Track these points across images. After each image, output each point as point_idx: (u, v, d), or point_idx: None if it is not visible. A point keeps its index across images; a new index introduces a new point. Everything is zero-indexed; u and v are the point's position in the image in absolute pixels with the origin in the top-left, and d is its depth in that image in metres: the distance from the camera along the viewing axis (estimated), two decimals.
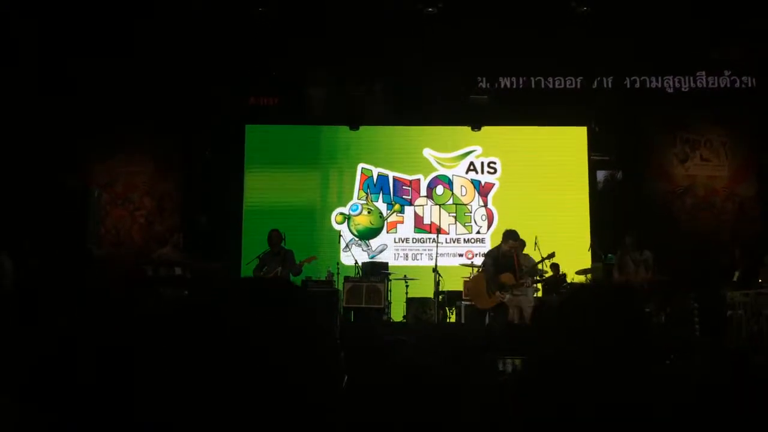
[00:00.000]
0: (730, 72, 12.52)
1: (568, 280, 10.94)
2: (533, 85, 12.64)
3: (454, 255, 12.53)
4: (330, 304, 10.27)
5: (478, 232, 12.84)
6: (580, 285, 9.38)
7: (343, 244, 12.41)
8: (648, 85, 12.61)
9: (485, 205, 12.91)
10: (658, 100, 12.59)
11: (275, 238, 10.53)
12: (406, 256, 12.77)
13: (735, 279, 10.33)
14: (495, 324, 9.37)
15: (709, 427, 2.03)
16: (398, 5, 11.53)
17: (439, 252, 11.48)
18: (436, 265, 11.13)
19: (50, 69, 11.70)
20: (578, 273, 11.08)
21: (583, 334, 1.69)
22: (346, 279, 11.13)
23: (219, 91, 12.39)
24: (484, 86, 12.64)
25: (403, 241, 12.86)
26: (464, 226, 12.87)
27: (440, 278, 11.02)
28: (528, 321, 9.28)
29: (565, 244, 11.11)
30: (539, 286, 10.66)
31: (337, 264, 11.74)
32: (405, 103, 12.72)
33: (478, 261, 11.30)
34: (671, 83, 12.60)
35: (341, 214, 12.95)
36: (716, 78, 12.57)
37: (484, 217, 12.87)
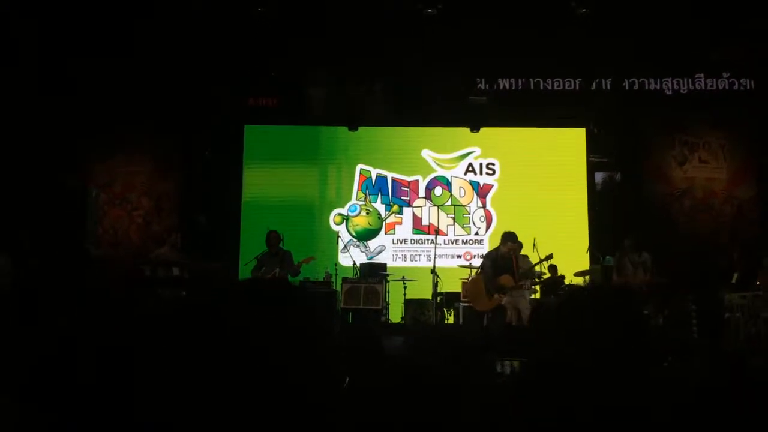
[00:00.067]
0: (728, 74, 12.53)
1: (567, 281, 10.95)
2: (532, 87, 12.64)
3: (452, 256, 12.54)
4: (328, 305, 10.28)
5: (477, 234, 12.84)
6: (578, 287, 9.41)
7: (341, 245, 12.42)
8: (647, 87, 12.61)
9: (484, 207, 12.92)
10: (657, 102, 12.60)
11: (273, 238, 10.54)
12: (405, 257, 12.77)
13: (733, 281, 10.33)
14: (493, 326, 9.36)
15: (706, 430, 2.04)
16: (398, 5, 11.53)
17: (437, 253, 11.49)
18: (434, 267, 11.13)
19: (50, 69, 11.69)
20: (576, 275, 11.09)
21: (582, 336, 1.69)
22: (344, 280, 11.13)
23: (218, 91, 12.38)
24: (483, 87, 12.64)
25: (401, 242, 12.86)
26: (463, 227, 12.87)
27: (438, 279, 11.03)
28: (525, 322, 9.29)
29: (564, 245, 11.12)
30: (537, 287, 10.66)
31: (335, 265, 11.75)
32: (404, 104, 12.72)
33: (477, 262, 11.31)
34: (670, 85, 12.61)
35: (340, 215, 12.96)
36: (715, 80, 12.58)
37: (482, 219, 12.88)
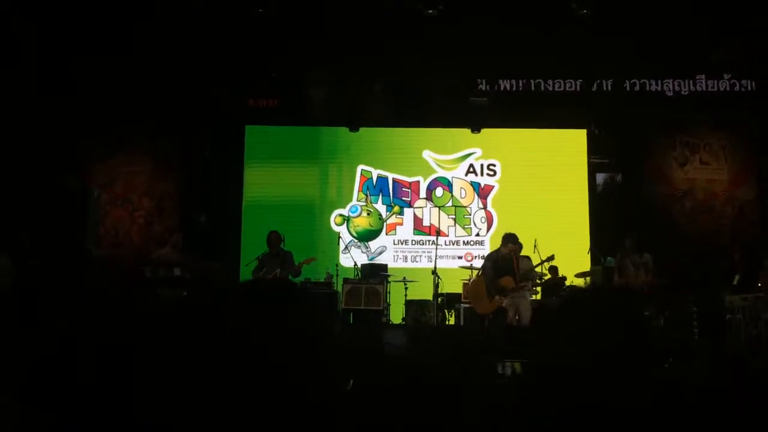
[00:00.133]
0: (729, 75, 12.53)
1: (568, 282, 10.94)
2: (533, 88, 12.64)
3: (453, 257, 12.54)
4: (329, 305, 10.27)
5: (478, 235, 12.84)
6: (579, 288, 9.40)
7: (342, 246, 12.42)
8: (648, 88, 12.62)
9: (485, 208, 12.91)
10: (658, 103, 12.60)
11: (274, 239, 10.54)
12: (406, 258, 12.77)
13: (734, 283, 10.32)
14: (494, 327, 9.36)
15: (707, 431, 2.03)
16: (398, 5, 11.53)
17: (438, 254, 11.49)
18: (435, 267, 11.13)
19: (50, 69, 11.69)
20: (577, 276, 11.08)
21: (583, 337, 1.69)
22: (345, 281, 11.12)
23: (219, 91, 12.39)
24: (483, 88, 12.64)
25: (402, 243, 12.85)
26: (463, 228, 12.87)
27: (439, 280, 11.02)
28: (526, 323, 9.29)
29: (565, 246, 11.11)
30: (538, 288, 10.66)
31: (336, 266, 11.75)
32: (405, 104, 12.72)
33: (478, 263, 11.31)
34: (671, 86, 12.61)
35: (340, 215, 12.95)
36: (716, 81, 12.58)
37: (483, 220, 12.88)
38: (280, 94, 12.82)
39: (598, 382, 1.61)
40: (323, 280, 11.28)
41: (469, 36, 11.67)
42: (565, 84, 12.61)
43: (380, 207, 12.96)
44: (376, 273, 11.46)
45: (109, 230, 12.59)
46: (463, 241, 12.81)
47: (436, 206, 12.91)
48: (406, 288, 11.28)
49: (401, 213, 12.95)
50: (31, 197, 10.66)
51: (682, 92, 12.62)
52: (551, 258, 9.98)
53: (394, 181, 13.01)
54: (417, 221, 12.92)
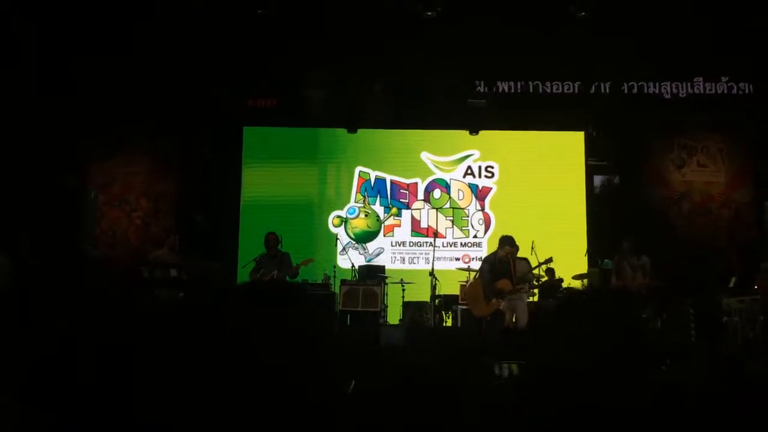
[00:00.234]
0: (727, 78, 12.55)
1: (565, 285, 10.95)
2: (531, 90, 12.65)
3: (450, 259, 12.54)
4: (326, 307, 10.27)
5: (475, 236, 12.85)
6: (577, 290, 9.42)
7: (339, 247, 12.42)
8: (645, 91, 12.63)
9: (482, 209, 12.92)
10: (656, 105, 12.61)
11: (272, 240, 10.54)
12: (403, 259, 12.77)
13: (731, 285, 10.34)
14: (491, 330, 9.37)
15: None
16: (397, 6, 11.55)
17: (435, 256, 11.49)
18: (432, 269, 11.13)
19: (50, 69, 11.69)
20: (575, 278, 11.09)
21: (580, 339, 1.69)
22: (343, 282, 11.12)
23: (217, 92, 12.38)
24: (482, 90, 12.65)
25: (400, 245, 12.86)
26: (461, 230, 12.87)
27: (437, 282, 11.03)
28: (523, 326, 9.30)
29: (562, 248, 11.13)
30: (535, 290, 10.66)
31: (334, 267, 11.75)
32: (404, 105, 12.72)
33: (475, 265, 11.32)
34: (669, 89, 12.62)
35: (338, 217, 12.95)
36: (713, 84, 12.60)
37: (481, 221, 12.88)
38: (279, 94, 12.82)
39: (595, 384, 1.61)
40: (321, 282, 11.27)
41: (467, 38, 11.69)
42: (563, 86, 12.62)
43: (378, 208, 12.97)
44: (373, 274, 11.46)
45: (106, 231, 12.57)
46: (461, 243, 12.82)
47: (433, 208, 12.92)
48: (403, 289, 11.28)
49: (399, 214, 12.95)
50: (29, 197, 10.65)
51: (680, 95, 12.64)
52: (549, 260, 9.99)
53: (392, 182, 13.01)
54: (415, 223, 12.92)
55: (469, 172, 13.02)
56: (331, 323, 9.73)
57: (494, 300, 9.41)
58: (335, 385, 1.21)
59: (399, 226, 12.93)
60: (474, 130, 12.94)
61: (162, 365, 1.46)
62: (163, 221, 12.62)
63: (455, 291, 11.16)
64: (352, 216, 12.94)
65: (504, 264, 9.51)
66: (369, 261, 12.53)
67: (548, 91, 12.63)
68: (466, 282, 10.88)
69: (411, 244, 12.84)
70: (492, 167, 13.02)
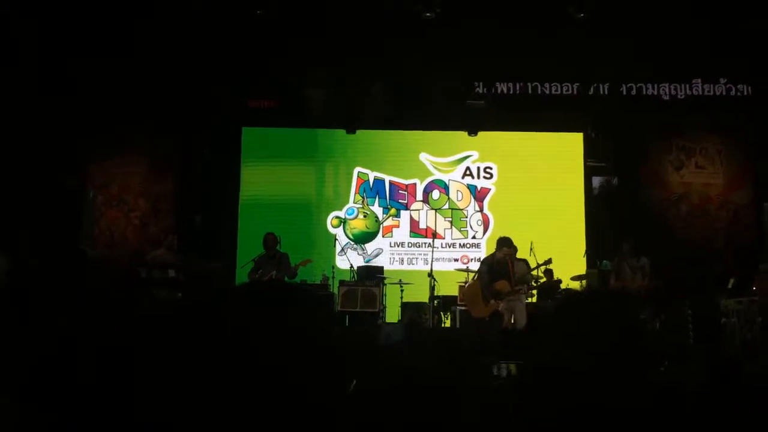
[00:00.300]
0: (725, 80, 12.56)
1: (563, 286, 10.96)
2: (530, 91, 12.66)
3: (449, 260, 12.55)
4: (327, 307, 10.27)
5: (474, 237, 12.85)
6: (575, 291, 9.42)
7: (338, 248, 12.42)
8: (644, 92, 12.64)
9: (481, 210, 12.93)
10: (654, 107, 12.62)
11: (271, 241, 10.53)
12: (402, 260, 12.77)
13: (729, 286, 10.35)
14: (490, 331, 9.38)
15: None
16: (397, 7, 11.55)
17: (434, 257, 11.50)
18: (431, 270, 11.14)
19: (50, 69, 11.69)
20: (573, 279, 11.10)
21: (578, 340, 1.70)
22: (341, 283, 11.13)
23: (216, 92, 12.38)
24: (481, 91, 12.65)
25: (398, 246, 12.86)
26: (460, 230, 12.88)
27: (435, 283, 11.03)
28: (522, 326, 9.31)
29: (561, 250, 11.13)
30: (534, 291, 10.67)
31: (333, 268, 11.74)
32: (402, 106, 12.72)
33: (474, 266, 11.33)
34: (667, 90, 12.63)
35: (337, 217, 12.95)
36: (712, 85, 12.61)
37: (479, 222, 12.89)
38: (278, 94, 12.82)
39: (593, 385, 1.62)
40: (319, 282, 11.27)
41: (466, 39, 11.70)
42: (561, 87, 12.63)
43: (377, 209, 12.97)
44: (372, 275, 11.46)
45: (105, 231, 12.56)
46: (460, 244, 12.82)
47: (432, 209, 12.92)
48: (402, 290, 11.28)
49: (398, 215, 12.95)
50: (28, 197, 10.65)
51: (679, 96, 12.65)
52: (549, 262, 10.01)
53: (391, 183, 13.02)
54: (413, 224, 12.92)
55: (467, 173, 13.03)
56: (332, 323, 9.73)
57: (493, 301, 9.43)
58: (335, 385, 1.21)
59: (398, 226, 12.93)
60: (473, 131, 12.95)
61: (161, 365, 1.46)
62: (162, 221, 12.61)
63: (454, 292, 11.17)
64: (351, 217, 12.94)
65: (502, 265, 9.53)
66: (368, 262, 12.53)
67: (547, 92, 12.64)
68: (465, 283, 10.89)
69: (410, 244, 12.84)
70: (491, 168, 13.02)
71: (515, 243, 9.87)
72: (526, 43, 11.80)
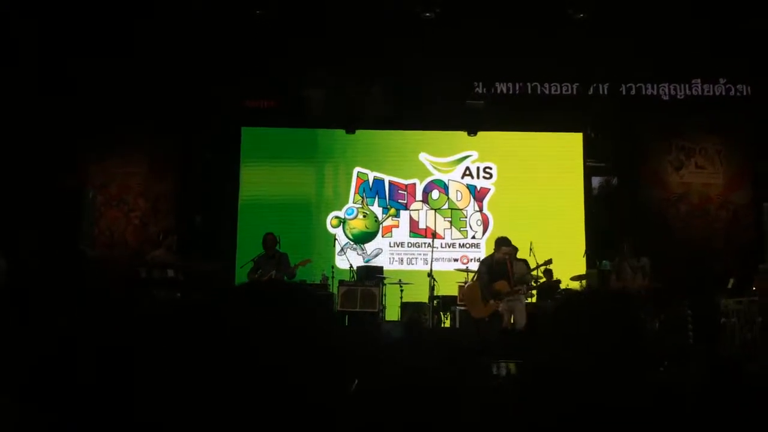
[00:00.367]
0: (725, 80, 12.56)
1: (563, 286, 10.96)
2: (529, 91, 12.66)
3: (449, 260, 12.55)
4: (327, 306, 10.25)
5: (474, 237, 12.85)
6: (575, 291, 9.42)
7: (338, 248, 12.42)
8: (644, 92, 12.64)
9: (480, 210, 12.93)
10: (654, 107, 12.63)
11: (270, 241, 10.54)
12: (401, 260, 12.77)
13: (729, 286, 10.35)
14: (489, 331, 9.38)
15: None
16: (397, 6, 11.56)
17: (434, 256, 11.50)
18: (431, 270, 11.14)
19: (50, 69, 11.69)
20: (573, 279, 11.09)
21: (578, 340, 1.70)
22: (341, 283, 11.13)
23: (216, 92, 12.38)
24: (480, 91, 12.66)
25: (398, 246, 12.86)
26: (459, 230, 12.88)
27: (435, 283, 11.03)
28: (521, 327, 9.31)
29: (560, 250, 11.13)
30: (534, 291, 10.68)
31: (332, 268, 11.75)
32: (402, 106, 12.72)
33: (473, 266, 11.33)
34: (667, 90, 12.64)
35: (336, 217, 12.95)
36: (711, 86, 12.62)
37: (479, 222, 12.89)
38: (278, 95, 12.82)
39: (593, 385, 1.62)
40: (319, 282, 11.27)
41: (466, 39, 11.70)
42: (561, 87, 12.63)
43: (376, 209, 12.97)
44: (371, 275, 11.46)
45: (104, 231, 12.55)
46: (459, 244, 12.82)
47: (432, 209, 12.92)
48: (401, 290, 11.28)
49: (397, 215, 12.95)
50: (27, 197, 10.65)
51: (678, 96, 12.65)
52: (549, 262, 10.01)
53: (391, 183, 13.02)
54: (413, 224, 12.93)
55: (467, 173, 13.03)
56: (332, 323, 9.73)
57: (492, 301, 9.43)
58: (335, 386, 1.21)
59: (397, 226, 12.93)
60: (472, 131, 12.95)
61: (161, 365, 1.46)
62: (162, 221, 12.60)
63: (453, 292, 11.17)
64: (351, 217, 12.94)
65: (501, 265, 9.53)
66: (367, 262, 12.53)
67: (547, 92, 12.64)
68: (465, 283, 10.89)
69: (409, 244, 12.84)
70: (490, 168, 13.02)
71: (515, 243, 9.87)
72: (526, 43, 11.80)
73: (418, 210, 12.96)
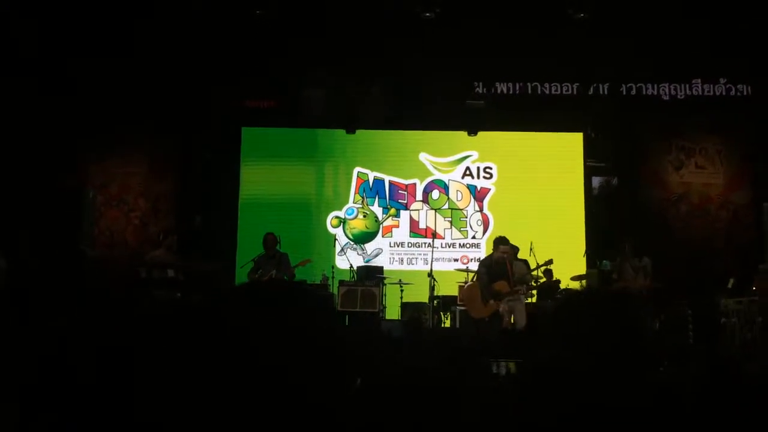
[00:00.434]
0: (725, 80, 12.57)
1: (563, 286, 10.95)
2: (530, 91, 12.67)
3: (449, 260, 12.55)
4: (328, 306, 10.25)
5: (474, 237, 12.85)
6: (575, 291, 9.41)
7: (338, 248, 12.42)
8: (644, 92, 12.64)
9: (481, 210, 12.93)
10: (654, 107, 12.63)
11: (270, 241, 10.54)
12: (402, 260, 12.77)
13: (729, 286, 10.35)
14: (490, 331, 9.38)
15: None
16: (397, 6, 11.56)
17: (434, 257, 11.50)
18: (431, 270, 11.13)
19: (50, 69, 11.69)
20: (573, 279, 11.09)
21: (578, 340, 1.70)
22: (341, 283, 11.12)
23: (216, 92, 12.38)
24: (480, 91, 12.66)
25: (398, 246, 12.86)
26: (460, 230, 12.87)
27: (435, 283, 11.03)
28: (521, 327, 9.31)
29: (560, 250, 11.13)
30: (534, 291, 10.68)
31: (332, 268, 11.74)
32: (402, 106, 12.72)
33: (474, 266, 11.33)
34: (667, 90, 12.64)
35: (337, 217, 12.95)
36: (712, 86, 12.62)
37: (479, 222, 12.89)
38: (278, 94, 12.83)
39: (593, 385, 1.62)
40: (319, 282, 11.27)
41: (466, 39, 11.70)
42: (561, 87, 12.64)
43: (376, 209, 12.96)
44: (372, 275, 11.46)
45: (104, 231, 12.55)
46: (459, 244, 12.82)
47: (432, 209, 12.91)
48: (402, 290, 11.27)
49: (397, 215, 12.95)
50: (27, 197, 10.65)
51: (678, 96, 12.66)
52: (549, 262, 10.01)
53: (391, 183, 13.01)
54: (413, 224, 12.92)
55: (467, 173, 13.02)
56: (332, 322, 9.71)
57: (492, 301, 9.43)
58: (336, 386, 1.21)
59: (397, 226, 12.93)
60: (472, 131, 12.95)
61: (161, 365, 1.46)
62: (162, 221, 12.60)
63: (454, 292, 11.17)
64: (351, 217, 12.94)
65: (501, 265, 9.53)
66: (367, 262, 12.53)
67: (547, 92, 12.64)
68: (465, 283, 10.89)
69: (409, 244, 12.84)
70: (490, 168, 13.02)
71: (515, 243, 9.86)
72: (526, 43, 11.81)
73: (418, 210, 12.96)
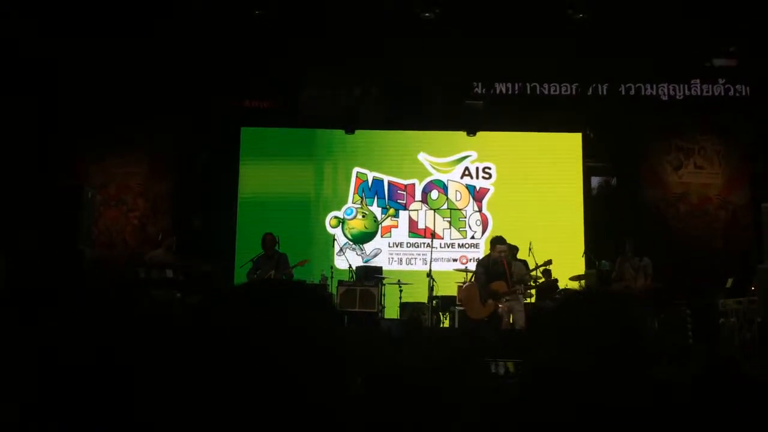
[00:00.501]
0: (724, 80, 12.58)
1: (561, 286, 10.95)
2: (529, 91, 12.68)
3: (448, 260, 12.55)
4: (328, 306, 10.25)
5: (473, 237, 12.85)
6: (574, 291, 9.41)
7: (337, 248, 12.42)
8: (643, 93, 12.66)
9: (480, 210, 12.93)
10: (653, 107, 12.64)
11: (269, 241, 10.54)
12: (401, 260, 12.77)
13: (728, 286, 10.36)
14: (488, 331, 9.38)
15: None
16: (396, 7, 11.56)
17: (433, 257, 11.50)
18: (430, 270, 11.13)
19: (50, 69, 11.68)
20: (572, 279, 11.09)
21: (577, 340, 1.70)
22: (340, 283, 11.12)
23: (216, 92, 12.39)
24: (479, 91, 12.66)
25: (397, 246, 12.86)
26: (459, 231, 12.88)
27: (434, 283, 11.02)
28: (520, 327, 9.31)
29: (559, 250, 11.13)
30: (533, 291, 10.68)
31: (331, 268, 11.74)
32: (401, 106, 12.73)
33: (472, 266, 11.32)
34: (666, 91, 12.65)
35: (336, 217, 12.95)
36: (710, 86, 12.63)
37: (478, 222, 12.89)
38: (278, 94, 12.84)
39: (593, 385, 1.62)
40: (318, 282, 11.26)
41: (465, 39, 11.71)
42: (560, 88, 12.65)
43: (375, 209, 12.96)
44: (370, 275, 11.46)
45: (103, 231, 12.55)
46: (458, 244, 12.82)
47: (431, 209, 12.92)
48: (400, 290, 11.27)
49: (396, 215, 12.95)
50: (26, 197, 10.65)
51: (677, 96, 12.67)
52: (549, 263, 10.01)
53: (390, 183, 13.01)
54: (412, 224, 12.92)
55: (466, 173, 13.03)
56: (332, 322, 9.71)
57: (490, 301, 9.42)
58: (336, 386, 1.21)
59: (396, 227, 12.93)
60: (471, 131, 12.95)
61: (160, 366, 1.46)
62: (161, 222, 12.61)
63: (453, 292, 11.16)
64: (350, 217, 12.94)
65: (499, 265, 9.52)
66: (366, 262, 12.53)
67: (546, 92, 12.65)
68: (464, 283, 10.89)
69: (408, 245, 12.84)
70: (489, 168, 13.02)
71: (514, 243, 9.85)
72: (526, 43, 11.82)
73: (417, 210, 12.96)
